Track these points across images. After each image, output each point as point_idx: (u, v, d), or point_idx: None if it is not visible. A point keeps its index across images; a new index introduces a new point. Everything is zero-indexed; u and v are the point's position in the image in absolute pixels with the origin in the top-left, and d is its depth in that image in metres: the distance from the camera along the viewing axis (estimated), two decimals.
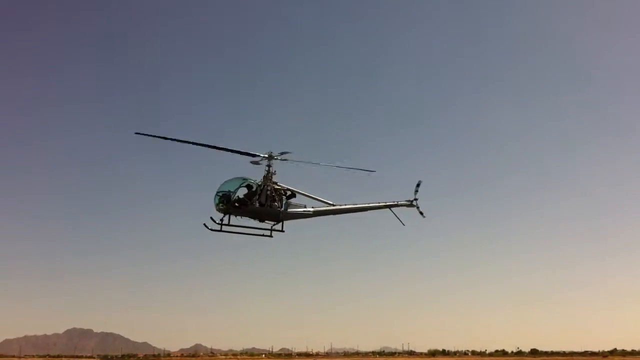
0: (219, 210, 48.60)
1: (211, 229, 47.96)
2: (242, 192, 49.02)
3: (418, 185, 57.25)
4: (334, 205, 52.96)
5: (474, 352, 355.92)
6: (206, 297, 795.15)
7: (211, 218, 48.58)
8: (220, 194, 48.52)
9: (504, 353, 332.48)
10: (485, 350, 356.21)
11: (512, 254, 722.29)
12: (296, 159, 50.44)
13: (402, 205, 56.01)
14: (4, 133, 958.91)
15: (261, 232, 50.32)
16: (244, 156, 49.40)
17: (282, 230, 50.59)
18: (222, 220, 48.69)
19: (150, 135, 47.33)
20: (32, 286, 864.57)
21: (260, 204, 48.95)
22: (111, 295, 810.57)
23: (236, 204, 48.11)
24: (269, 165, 50.32)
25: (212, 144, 46.42)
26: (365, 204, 54.72)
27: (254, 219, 50.14)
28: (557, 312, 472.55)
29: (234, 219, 49.38)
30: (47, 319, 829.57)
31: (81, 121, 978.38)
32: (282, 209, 51.07)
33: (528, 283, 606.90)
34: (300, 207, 51.76)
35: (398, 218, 56.38)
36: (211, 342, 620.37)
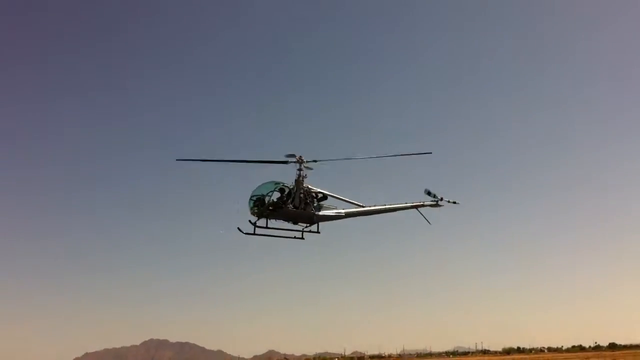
0: (253, 213, 49.12)
1: (245, 233, 48.70)
2: (276, 196, 49.46)
3: (428, 193, 58.97)
4: (363, 206, 53.91)
5: (550, 349, 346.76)
6: (278, 303, 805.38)
7: (249, 222, 49.59)
8: (255, 198, 49.17)
9: (581, 348, 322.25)
10: (562, 346, 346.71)
11: (584, 248, 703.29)
12: (324, 159, 50.44)
13: (428, 205, 58.00)
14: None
15: (293, 234, 50.80)
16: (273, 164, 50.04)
17: (317, 232, 51.54)
18: (255, 223, 49.26)
19: (192, 160, 49.57)
20: (110, 300, 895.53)
21: (294, 207, 49.50)
22: (186, 305, 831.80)
23: (270, 207, 48.46)
24: (300, 169, 50.46)
25: (243, 159, 48.44)
26: (394, 204, 56.14)
27: (288, 221, 50.57)
28: (636, 304, 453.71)
29: (268, 222, 49.90)
30: (125, 331, 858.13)
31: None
32: (315, 211, 51.22)
33: (604, 276, 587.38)
34: (332, 209, 52.41)
35: (425, 217, 58.09)
36: (284, 347, 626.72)
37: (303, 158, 50.50)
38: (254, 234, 49.07)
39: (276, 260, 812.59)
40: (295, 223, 51.15)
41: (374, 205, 55.09)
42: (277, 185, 49.76)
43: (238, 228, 49.25)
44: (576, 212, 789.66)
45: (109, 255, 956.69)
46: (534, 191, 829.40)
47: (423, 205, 57.76)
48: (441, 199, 59.11)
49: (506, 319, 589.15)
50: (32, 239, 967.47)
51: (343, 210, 53.16)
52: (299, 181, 50.38)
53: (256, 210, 49.02)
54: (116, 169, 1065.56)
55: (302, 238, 51.00)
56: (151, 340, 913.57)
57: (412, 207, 57.25)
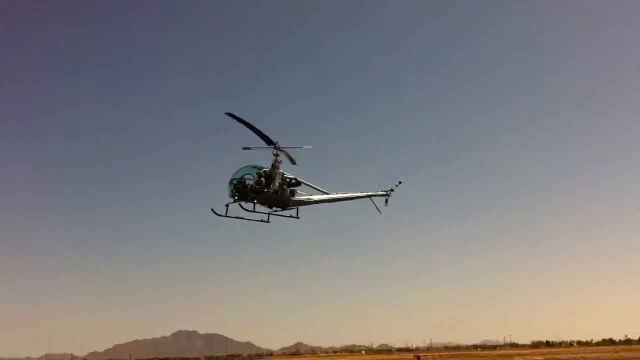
0: (232, 196, 48.78)
1: (218, 214, 49.15)
2: (256, 180, 48.86)
3: (400, 183, 62.17)
4: (328, 193, 55.43)
5: (579, 342, 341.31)
6: (306, 296, 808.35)
7: (225, 205, 50.24)
8: (235, 181, 49.07)
9: (611, 342, 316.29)
10: (592, 339, 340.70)
11: (613, 240, 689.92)
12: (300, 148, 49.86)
13: (379, 195, 60.65)
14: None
15: (260, 217, 50.95)
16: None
17: (297, 217, 52.97)
18: (227, 205, 49.04)
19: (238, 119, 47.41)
20: (140, 292, 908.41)
21: (274, 192, 50.11)
22: (215, 296, 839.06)
23: (252, 192, 48.86)
24: (276, 155, 49.45)
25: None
26: (352, 193, 58.85)
27: (264, 205, 50.05)
28: None
29: (243, 206, 49.41)
30: (155, 322, 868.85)
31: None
32: (290, 196, 51.75)
33: (636, 268, 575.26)
34: (303, 195, 53.15)
35: (377, 207, 60.70)
36: (311, 340, 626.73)
37: (279, 144, 49.29)
38: (225, 215, 49.21)
39: (304, 254, 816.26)
40: (270, 207, 50.89)
41: (336, 193, 56.81)
42: (257, 169, 49.72)
43: (212, 209, 49.47)
44: (607, 203, 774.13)
45: (138, 247, 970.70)
46: (571, 181, 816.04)
47: (375, 195, 60.53)
48: (391, 191, 61.83)
49: (534, 312, 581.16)
50: (67, 233, 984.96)
51: (313, 197, 54.18)
52: (275, 166, 49.52)
53: (237, 194, 48.24)
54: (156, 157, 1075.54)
55: (268, 221, 51.32)
56: (180, 332, 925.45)
57: (366, 196, 59.96)
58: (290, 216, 52.85)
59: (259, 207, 49.88)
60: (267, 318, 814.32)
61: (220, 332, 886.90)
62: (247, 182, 48.87)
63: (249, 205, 49.58)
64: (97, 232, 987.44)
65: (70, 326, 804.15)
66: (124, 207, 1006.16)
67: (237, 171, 49.70)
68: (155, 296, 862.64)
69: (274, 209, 51.70)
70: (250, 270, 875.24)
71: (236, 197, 48.87)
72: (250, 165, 49.99)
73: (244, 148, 48.53)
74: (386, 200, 61.32)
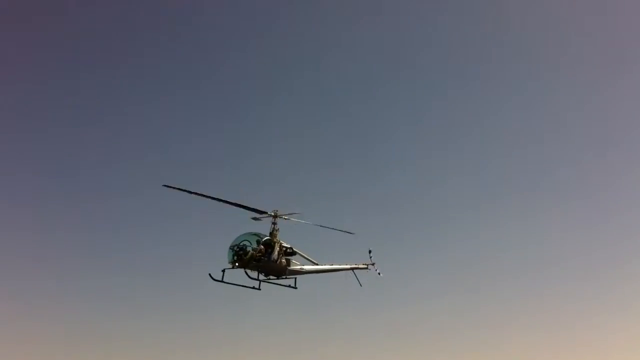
0: (232, 263, 49.11)
1: (215, 280, 49.38)
2: (256, 248, 50.20)
3: (370, 252, 62.12)
4: (317, 264, 56.07)
5: None
6: None
7: (222, 270, 49.97)
8: (237, 248, 49.41)
9: None
10: None
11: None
12: (300, 218, 52.23)
13: (361, 268, 60.63)
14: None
15: (252, 284, 51.39)
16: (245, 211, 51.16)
17: (295, 287, 53.70)
18: (224, 271, 49.63)
19: (178, 189, 49.14)
20: None
21: (273, 260, 50.96)
22: None
23: (253, 260, 49.41)
24: (274, 223, 51.48)
25: (225, 199, 49.06)
26: (337, 265, 59.15)
27: (262, 273, 51.09)
28: None
29: (233, 273, 50.51)
30: None
31: None
32: (287, 265, 52.53)
33: None
34: (297, 264, 53.94)
35: (357, 279, 60.52)
36: None
37: (278, 212, 51.62)
38: (221, 281, 49.39)
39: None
40: (266, 276, 51.81)
41: (324, 264, 57.29)
42: (258, 237, 50.82)
43: (209, 274, 49.87)
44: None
45: None
46: None
47: (357, 268, 60.50)
48: (372, 264, 61.92)
49: None
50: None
51: (305, 267, 54.87)
52: (273, 234, 51.26)
53: (237, 261, 49.30)
54: None
55: (259, 289, 51.23)
56: None
57: (349, 269, 59.91)
58: (289, 286, 53.69)
59: (253, 274, 50.34)
60: None
61: None
62: (248, 249, 49.85)
63: (249, 273, 49.78)
64: None
65: None
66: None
67: (238, 237, 50.77)
68: None
69: (270, 277, 52.74)
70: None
71: (236, 264, 49.37)
72: (251, 232, 51.00)
73: (253, 218, 50.40)
74: (378, 271, 61.87)
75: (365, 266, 62.01)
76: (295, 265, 54.13)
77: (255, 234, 51.08)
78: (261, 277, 50.82)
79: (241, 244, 50.07)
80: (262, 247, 50.44)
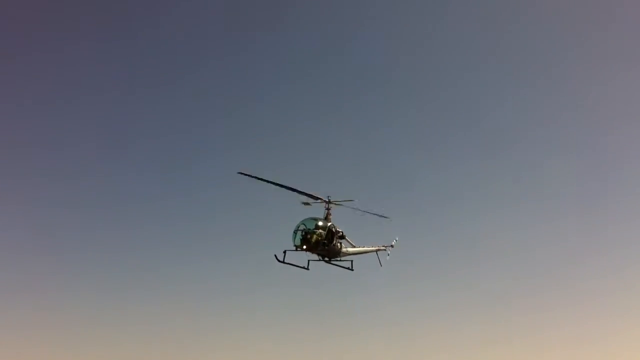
0: (299, 246, 52.05)
1: (279, 261, 52.84)
2: (322, 232, 53.15)
3: (396, 240, 66.11)
4: (354, 246, 58.48)
5: None
6: None
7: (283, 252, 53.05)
8: (304, 233, 52.38)
9: None
10: None
11: None
12: (351, 206, 55.65)
13: (382, 250, 63.95)
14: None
15: (309, 265, 54.81)
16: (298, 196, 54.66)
17: (352, 269, 56.85)
18: (284, 253, 52.74)
19: (254, 177, 52.35)
20: None
21: (333, 244, 53.97)
22: None
23: (318, 243, 52.52)
24: (328, 208, 54.51)
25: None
26: (364, 246, 61.42)
27: (322, 256, 54.16)
28: None
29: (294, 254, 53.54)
30: None
31: None
32: (341, 248, 55.57)
33: None
34: (349, 246, 57.06)
35: (379, 260, 63.82)
36: None
37: (331, 198, 54.67)
38: (283, 261, 52.76)
39: None
40: (323, 257, 54.64)
41: (360, 246, 59.97)
42: (323, 222, 53.59)
43: (275, 256, 53.18)
44: None
45: None
46: None
47: (381, 250, 63.67)
48: (392, 246, 65.43)
49: None
50: None
51: (349, 249, 57.78)
52: (328, 219, 54.12)
53: (304, 244, 52.13)
54: None
55: (308, 269, 54.67)
56: None
57: (376, 250, 63.17)
58: (348, 268, 56.81)
59: (312, 256, 53.16)
60: None
61: None
62: (316, 233, 52.79)
63: (309, 255, 52.67)
64: None
65: None
66: None
67: (304, 222, 53.67)
68: None
69: (326, 259, 55.58)
70: None
71: (303, 247, 52.37)
72: (312, 218, 54.00)
73: (304, 203, 53.63)
74: (388, 253, 65.20)
75: (385, 248, 65.08)
76: (348, 248, 57.02)
77: (316, 219, 54.02)
78: (313, 258, 54.70)
79: (309, 228, 53.10)
80: (324, 232, 53.40)
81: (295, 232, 53.46)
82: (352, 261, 56.75)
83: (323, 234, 53.55)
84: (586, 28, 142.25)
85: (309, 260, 55.32)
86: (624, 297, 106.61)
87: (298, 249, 52.96)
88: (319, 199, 54.34)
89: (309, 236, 52.81)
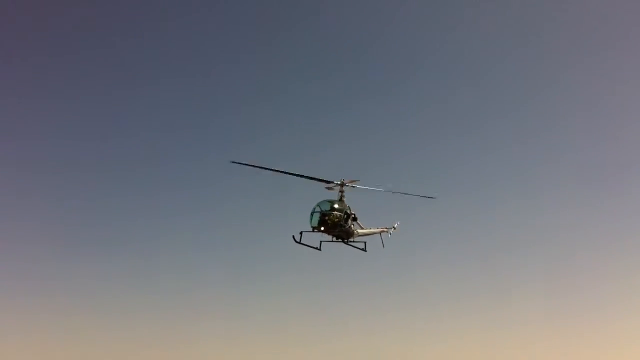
0: (315, 226, 53.25)
1: (297, 242, 54.59)
2: (337, 215, 54.35)
3: (397, 224, 67.96)
4: (363, 227, 60.05)
5: None
6: None
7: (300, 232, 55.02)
8: (322, 215, 53.48)
9: None
10: None
11: None
12: (362, 185, 56.67)
13: (385, 231, 65.64)
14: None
15: (322, 245, 56.52)
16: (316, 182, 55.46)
17: (365, 250, 58.46)
18: (301, 234, 54.19)
19: (246, 164, 53.04)
20: None
21: (348, 225, 55.51)
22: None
23: (335, 225, 54.01)
24: (342, 191, 55.64)
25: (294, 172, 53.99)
26: (370, 228, 62.86)
27: (335, 237, 55.28)
28: None
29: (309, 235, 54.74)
30: None
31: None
32: (355, 229, 56.90)
33: None
34: (361, 228, 58.68)
35: (382, 241, 65.20)
36: None
37: (344, 180, 55.78)
38: (300, 242, 54.50)
39: None
40: (338, 238, 55.87)
41: (367, 228, 61.78)
42: (338, 204, 54.88)
43: (293, 237, 54.87)
44: None
45: None
46: None
47: (384, 231, 65.44)
48: (394, 227, 67.50)
49: None
50: None
51: (359, 230, 59.19)
52: (342, 201, 55.26)
53: (322, 225, 53.23)
54: None
55: (320, 249, 56.42)
56: None
57: (380, 232, 64.78)
58: (362, 249, 58.31)
59: (325, 237, 54.73)
60: None
61: None
62: (333, 215, 54.07)
63: (324, 236, 54.13)
64: None
65: None
66: None
67: (321, 204, 54.92)
68: None
69: (339, 240, 56.72)
70: None
71: (321, 228, 53.63)
72: (328, 200, 55.26)
73: (327, 188, 55.58)
74: (390, 234, 66.69)
75: (387, 230, 66.90)
76: (360, 229, 58.84)
77: (332, 201, 55.42)
78: (325, 239, 55.59)
79: (326, 210, 54.33)
80: (341, 213, 54.81)
81: (312, 214, 54.50)
82: (365, 242, 57.81)
83: (340, 215, 54.60)
84: None
85: (321, 242, 57.44)
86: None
87: (315, 230, 54.17)
88: (331, 182, 55.18)
89: (326, 218, 53.93)
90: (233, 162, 52.27)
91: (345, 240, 56.24)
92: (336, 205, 54.93)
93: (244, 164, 52.89)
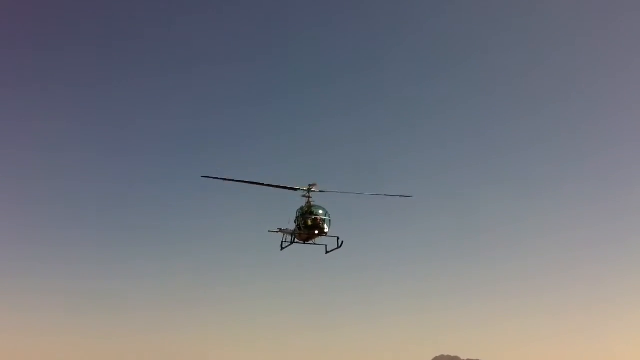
0: (302, 228, 59.85)
1: (282, 249, 61.24)
2: (328, 219, 61.17)
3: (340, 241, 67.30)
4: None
5: None
6: None
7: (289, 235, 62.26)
8: (316, 220, 60.12)
9: None
10: None
11: None
12: (327, 189, 62.46)
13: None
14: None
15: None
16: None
17: (339, 247, 63.47)
18: (282, 244, 61.82)
19: (217, 178, 59.62)
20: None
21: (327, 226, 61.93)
22: (476, 318, 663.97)
23: (323, 229, 60.97)
24: (308, 197, 61.54)
25: (264, 182, 60.22)
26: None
27: (312, 239, 61.83)
28: None
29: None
30: (414, 347, 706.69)
31: None
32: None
33: None
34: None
35: (327, 249, 66.01)
36: None
37: (311, 187, 61.55)
38: (283, 249, 61.97)
39: None
40: (308, 240, 64.08)
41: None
42: (322, 209, 61.15)
43: (281, 248, 62.21)
44: None
45: None
46: None
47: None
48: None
49: None
50: None
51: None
52: (317, 206, 61.98)
53: (315, 229, 60.98)
54: None
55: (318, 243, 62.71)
56: (442, 357, 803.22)
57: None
58: (334, 249, 62.58)
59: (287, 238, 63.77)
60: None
61: (483, 358, 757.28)
62: (324, 220, 60.01)
63: (299, 236, 62.13)
64: None
65: None
66: None
67: (313, 208, 60.48)
68: (414, 319, 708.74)
69: (313, 241, 62.73)
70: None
71: (315, 231, 60.58)
72: (318, 205, 60.88)
73: (304, 196, 60.97)
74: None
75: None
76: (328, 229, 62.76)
77: (321, 207, 60.29)
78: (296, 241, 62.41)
79: (318, 216, 59.81)
80: (329, 219, 59.91)
81: (302, 216, 59.96)
82: (342, 241, 61.39)
83: (329, 221, 60.04)
84: None
85: (293, 236, 62.00)
86: None
87: (302, 232, 59.84)
88: (298, 189, 59.93)
89: (320, 223, 59.69)
90: (204, 176, 58.31)
91: (313, 242, 61.15)
92: (321, 210, 60.00)
93: (214, 177, 58.43)
